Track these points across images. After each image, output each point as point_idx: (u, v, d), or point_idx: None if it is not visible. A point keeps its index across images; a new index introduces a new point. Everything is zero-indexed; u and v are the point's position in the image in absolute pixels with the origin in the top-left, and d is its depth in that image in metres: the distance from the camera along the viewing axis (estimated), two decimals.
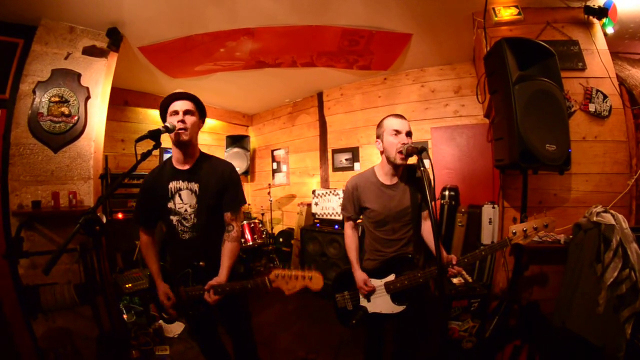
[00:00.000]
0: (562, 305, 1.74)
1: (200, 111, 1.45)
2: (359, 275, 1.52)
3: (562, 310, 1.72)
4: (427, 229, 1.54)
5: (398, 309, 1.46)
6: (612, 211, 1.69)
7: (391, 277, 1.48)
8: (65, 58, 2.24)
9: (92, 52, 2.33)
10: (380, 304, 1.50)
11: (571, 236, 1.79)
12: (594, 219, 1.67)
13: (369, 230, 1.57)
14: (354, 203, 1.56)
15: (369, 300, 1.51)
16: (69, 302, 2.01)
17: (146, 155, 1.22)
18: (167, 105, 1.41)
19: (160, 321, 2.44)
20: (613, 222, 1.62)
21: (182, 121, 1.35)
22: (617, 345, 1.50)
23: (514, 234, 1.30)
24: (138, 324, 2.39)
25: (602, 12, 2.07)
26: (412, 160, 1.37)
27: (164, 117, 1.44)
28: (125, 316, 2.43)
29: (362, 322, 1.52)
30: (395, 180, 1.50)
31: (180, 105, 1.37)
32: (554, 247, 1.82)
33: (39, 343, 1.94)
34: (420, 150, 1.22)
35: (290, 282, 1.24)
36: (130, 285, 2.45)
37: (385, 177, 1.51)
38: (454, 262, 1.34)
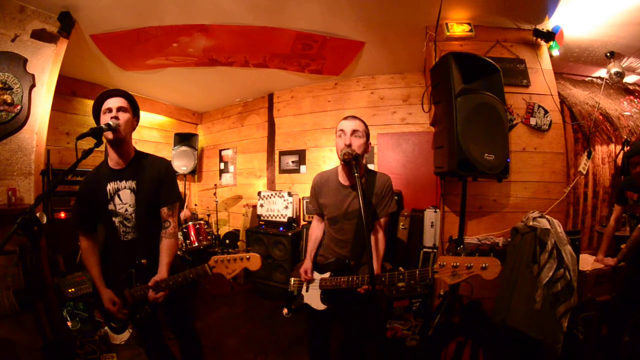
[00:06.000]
0: (501, 303, 1.94)
1: (133, 108, 1.47)
2: (304, 264, 1.66)
3: (502, 307, 1.92)
4: (376, 238, 1.62)
5: (321, 307, 1.57)
6: (547, 216, 1.92)
7: (327, 274, 1.60)
8: (12, 40, 2.16)
9: (41, 36, 2.27)
10: (312, 297, 1.61)
11: (509, 239, 2.03)
12: (531, 223, 1.90)
13: (327, 227, 1.68)
14: (315, 198, 1.69)
15: (307, 290, 1.64)
16: (9, 309, 1.91)
17: (87, 153, 1.23)
18: (100, 104, 1.41)
19: (106, 328, 2.41)
20: (548, 226, 1.84)
21: (116, 117, 1.36)
22: (555, 338, 1.72)
23: (442, 266, 1.14)
24: (83, 332, 2.33)
25: (549, 36, 2.37)
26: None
27: (97, 118, 1.44)
28: (69, 323, 2.36)
29: (298, 309, 1.65)
30: (353, 181, 1.57)
31: (112, 103, 1.39)
32: (492, 249, 2.04)
33: None
34: (355, 156, 1.34)
35: (230, 266, 1.31)
36: (73, 289, 2.38)
37: (343, 177, 1.59)
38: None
